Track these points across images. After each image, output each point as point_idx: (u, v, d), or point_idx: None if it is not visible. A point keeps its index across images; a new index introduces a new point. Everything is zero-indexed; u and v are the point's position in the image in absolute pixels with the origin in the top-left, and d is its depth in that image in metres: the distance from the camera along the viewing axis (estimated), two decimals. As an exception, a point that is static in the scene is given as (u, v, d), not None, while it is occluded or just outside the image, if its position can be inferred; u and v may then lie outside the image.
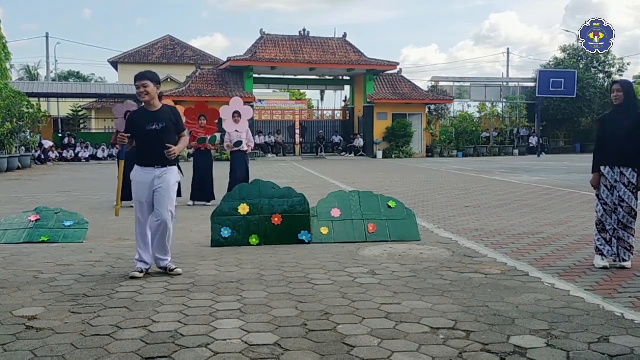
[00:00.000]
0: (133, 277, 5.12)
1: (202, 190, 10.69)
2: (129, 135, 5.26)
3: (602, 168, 5.54)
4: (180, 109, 10.89)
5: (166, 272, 5.28)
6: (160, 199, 5.20)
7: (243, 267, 5.61)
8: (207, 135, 10.62)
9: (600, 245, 5.53)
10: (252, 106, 30.90)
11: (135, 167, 5.30)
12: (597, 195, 5.60)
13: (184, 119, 10.99)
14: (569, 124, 40.91)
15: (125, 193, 10.44)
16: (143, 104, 5.36)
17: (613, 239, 5.47)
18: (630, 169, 5.42)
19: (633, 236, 5.50)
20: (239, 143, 10.48)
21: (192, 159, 11.63)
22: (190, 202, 10.69)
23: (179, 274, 5.23)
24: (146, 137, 5.20)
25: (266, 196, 6.86)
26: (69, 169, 24.60)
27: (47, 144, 29.91)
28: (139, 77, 5.24)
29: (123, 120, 10.67)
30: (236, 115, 10.46)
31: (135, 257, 5.34)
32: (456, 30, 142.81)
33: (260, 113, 37.62)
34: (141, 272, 5.20)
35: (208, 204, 10.61)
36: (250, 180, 10.12)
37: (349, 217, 7.05)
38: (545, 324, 3.87)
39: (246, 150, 10.72)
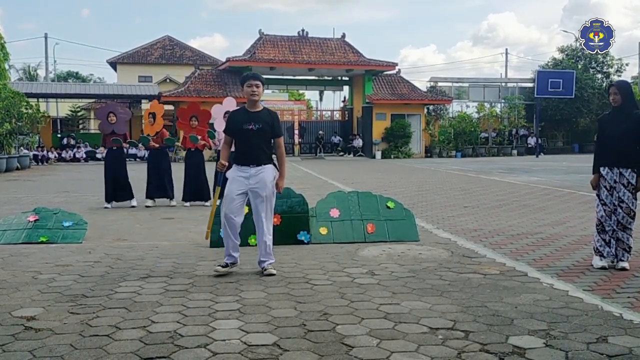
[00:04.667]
0: (217, 272, 5.22)
1: (196, 190, 10.68)
2: (224, 163, 5.38)
3: (601, 169, 5.54)
4: (162, 109, 10.96)
5: (262, 272, 5.30)
6: (258, 202, 5.27)
7: (242, 267, 5.60)
8: (198, 136, 10.61)
9: (600, 246, 5.53)
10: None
11: (233, 166, 5.37)
12: (598, 196, 5.60)
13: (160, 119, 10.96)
14: (567, 124, 40.97)
15: (110, 193, 10.57)
16: (245, 104, 5.42)
17: (612, 240, 5.47)
18: (629, 170, 5.42)
19: (631, 237, 5.50)
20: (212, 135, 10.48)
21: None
22: (187, 204, 10.68)
23: (271, 274, 5.24)
24: (243, 136, 5.28)
25: (265, 196, 6.85)
26: (67, 169, 24.60)
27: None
28: (253, 77, 5.33)
29: (106, 122, 10.69)
30: (227, 115, 10.47)
31: (225, 252, 5.41)
32: (454, 30, 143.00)
33: (259, 113, 37.61)
34: (225, 266, 5.30)
35: (206, 204, 10.62)
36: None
37: (347, 218, 7.05)
38: (543, 324, 3.87)
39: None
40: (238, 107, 5.62)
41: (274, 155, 5.48)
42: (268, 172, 5.31)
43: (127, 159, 11.28)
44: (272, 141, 5.42)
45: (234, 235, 5.33)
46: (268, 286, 4.89)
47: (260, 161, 5.29)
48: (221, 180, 5.56)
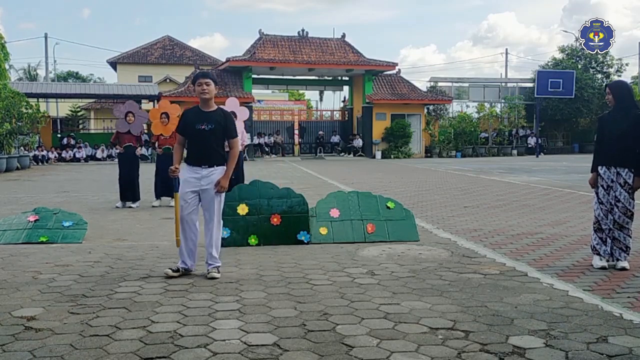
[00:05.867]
0: (166, 274, 5.15)
1: None
2: (174, 169, 5.23)
3: (599, 168, 5.56)
4: (176, 108, 10.94)
5: (206, 275, 5.23)
6: (207, 200, 5.22)
7: (242, 267, 5.61)
8: None
9: (597, 244, 5.54)
10: (250, 107, 31.33)
11: (184, 165, 5.31)
12: (596, 194, 5.61)
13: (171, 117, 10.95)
14: (567, 124, 40.95)
15: (124, 193, 10.60)
16: (198, 104, 5.33)
17: (608, 239, 5.48)
18: (626, 169, 5.43)
19: (629, 237, 5.50)
20: None
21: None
22: None
23: (214, 278, 5.15)
24: (195, 136, 5.22)
25: (265, 197, 6.86)
26: (67, 169, 24.59)
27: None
28: (202, 75, 5.24)
29: (124, 121, 10.69)
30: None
31: (180, 257, 5.33)
32: (454, 30, 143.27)
33: (259, 113, 37.70)
34: (176, 270, 5.21)
35: None
36: (244, 180, 10.11)
37: (347, 218, 7.05)
38: (543, 324, 3.87)
39: (241, 151, 10.78)
40: (192, 107, 5.45)
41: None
42: (220, 173, 5.25)
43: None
44: (227, 141, 5.33)
45: (190, 239, 5.25)
46: (268, 286, 4.89)
47: (213, 162, 5.22)
48: (178, 186, 5.37)
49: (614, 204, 5.46)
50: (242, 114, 10.71)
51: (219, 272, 5.26)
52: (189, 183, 5.23)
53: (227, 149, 5.42)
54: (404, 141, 33.16)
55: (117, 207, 10.53)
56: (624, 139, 5.38)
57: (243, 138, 10.77)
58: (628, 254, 5.50)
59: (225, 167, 5.29)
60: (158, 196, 10.81)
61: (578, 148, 39.97)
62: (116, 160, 11.39)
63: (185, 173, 5.27)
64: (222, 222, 5.39)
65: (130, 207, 10.59)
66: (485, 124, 38.28)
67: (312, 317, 4.05)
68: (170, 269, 5.24)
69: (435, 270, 5.44)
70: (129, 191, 10.70)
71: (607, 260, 5.51)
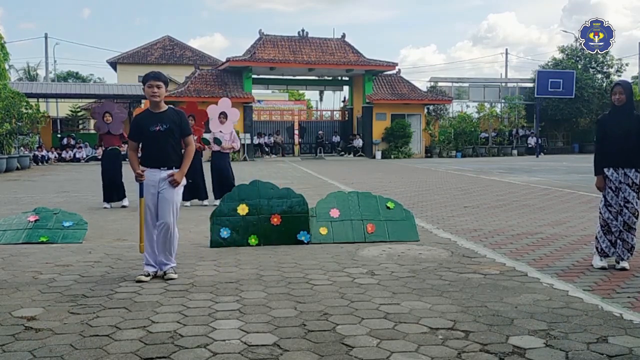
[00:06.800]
0: (139, 281, 5.05)
1: (195, 189, 10.62)
2: (141, 173, 5.13)
3: (605, 170, 5.52)
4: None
5: (163, 276, 5.19)
6: (163, 202, 5.16)
7: (242, 267, 5.61)
8: (194, 135, 10.57)
9: (606, 247, 5.49)
10: (250, 107, 31.34)
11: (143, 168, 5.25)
12: (604, 197, 5.58)
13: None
14: (567, 124, 40.97)
15: (107, 194, 10.58)
16: (148, 106, 5.30)
17: (618, 241, 5.46)
18: (633, 170, 5.41)
19: (635, 237, 5.49)
20: (218, 141, 10.45)
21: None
22: (187, 204, 10.67)
23: (171, 279, 5.13)
24: (150, 139, 5.15)
25: (265, 197, 6.86)
26: (67, 169, 24.60)
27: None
28: (153, 77, 5.15)
29: (102, 122, 10.66)
30: (222, 116, 10.45)
31: (143, 261, 5.28)
32: (454, 30, 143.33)
33: (259, 113, 37.71)
34: (147, 275, 5.14)
35: (204, 203, 10.63)
36: (235, 181, 10.06)
37: (347, 218, 7.05)
38: (543, 324, 3.87)
39: (227, 152, 10.71)
40: (142, 111, 5.34)
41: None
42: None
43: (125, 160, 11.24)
44: (182, 140, 5.27)
45: (150, 243, 5.19)
46: (268, 286, 4.89)
47: (171, 163, 5.16)
48: (142, 191, 5.20)
49: (623, 205, 5.44)
50: (233, 114, 10.61)
51: (175, 272, 5.22)
52: (150, 188, 5.15)
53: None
54: (404, 141, 33.17)
55: (105, 207, 10.50)
56: (630, 139, 5.36)
57: (233, 139, 10.65)
58: (632, 254, 5.48)
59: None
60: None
61: (578, 148, 39.99)
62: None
63: (145, 177, 5.16)
64: (176, 223, 5.27)
65: (123, 206, 10.57)
66: (485, 124, 38.29)
67: (312, 317, 4.05)
68: (143, 274, 5.15)
69: (435, 270, 5.44)
70: (114, 191, 10.68)
71: (617, 262, 5.49)
